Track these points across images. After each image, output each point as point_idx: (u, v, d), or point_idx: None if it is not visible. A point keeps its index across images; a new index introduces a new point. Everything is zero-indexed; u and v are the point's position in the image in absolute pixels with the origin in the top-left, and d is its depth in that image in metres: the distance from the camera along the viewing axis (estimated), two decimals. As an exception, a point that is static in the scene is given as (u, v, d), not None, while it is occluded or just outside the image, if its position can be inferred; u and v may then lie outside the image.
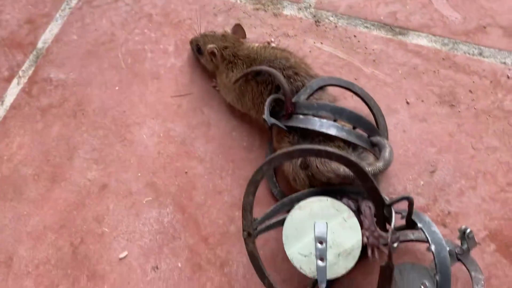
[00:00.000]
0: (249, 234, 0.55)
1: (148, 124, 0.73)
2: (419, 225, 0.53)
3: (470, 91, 0.69)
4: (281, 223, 0.55)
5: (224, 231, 0.65)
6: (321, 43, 0.76)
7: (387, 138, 0.65)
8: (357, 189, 0.57)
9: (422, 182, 0.64)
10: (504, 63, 0.71)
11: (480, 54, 0.72)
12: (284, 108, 0.61)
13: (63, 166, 0.72)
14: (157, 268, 0.64)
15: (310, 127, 0.59)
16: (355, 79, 0.72)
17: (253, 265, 0.55)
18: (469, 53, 0.72)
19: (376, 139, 0.60)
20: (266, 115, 0.60)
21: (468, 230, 0.54)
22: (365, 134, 0.61)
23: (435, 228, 0.52)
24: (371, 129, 0.61)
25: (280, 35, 0.77)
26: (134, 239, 0.66)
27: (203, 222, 0.66)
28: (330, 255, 0.52)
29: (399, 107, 0.69)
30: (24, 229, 0.68)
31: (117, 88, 0.76)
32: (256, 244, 0.55)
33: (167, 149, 0.71)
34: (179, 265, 0.63)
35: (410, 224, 0.55)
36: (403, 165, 0.66)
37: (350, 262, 0.53)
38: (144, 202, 0.68)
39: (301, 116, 0.60)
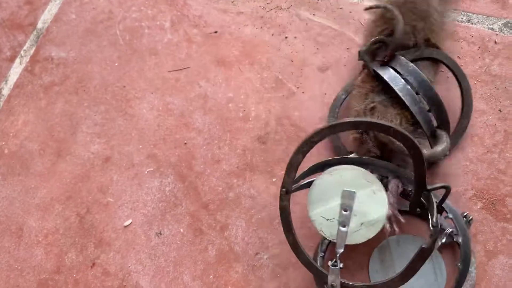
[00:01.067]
0: (288, 192, 0.54)
1: (147, 98, 0.75)
2: (449, 215, 0.58)
3: (458, 57, 0.71)
4: (309, 185, 0.56)
5: (223, 198, 0.68)
6: (314, 14, 0.77)
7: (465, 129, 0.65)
8: (389, 166, 0.59)
9: (412, 146, 0.67)
10: (492, 29, 0.72)
11: (469, 20, 0.73)
12: (383, 55, 0.60)
13: (67, 140, 0.74)
14: (160, 234, 0.67)
15: (391, 83, 0.58)
16: (347, 48, 0.74)
17: (282, 220, 0.55)
18: (457, 20, 0.73)
19: (441, 133, 0.59)
20: (363, 49, 0.60)
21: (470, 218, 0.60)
22: (434, 122, 0.60)
23: (463, 222, 0.58)
24: (443, 120, 0.60)
25: (274, 8, 0.79)
26: (138, 207, 0.69)
27: (203, 189, 0.69)
28: (353, 223, 0.54)
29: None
30: (33, 201, 0.71)
31: (116, 64, 0.79)
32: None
33: (166, 121, 0.73)
34: (181, 230, 0.67)
35: (439, 210, 0.58)
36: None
37: (371, 233, 0.54)
38: (146, 172, 0.71)
39: (391, 70, 0.60)
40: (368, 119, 0.54)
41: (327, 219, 0.55)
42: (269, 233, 0.65)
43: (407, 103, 0.58)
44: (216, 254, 0.65)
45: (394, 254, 0.61)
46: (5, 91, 0.79)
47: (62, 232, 0.69)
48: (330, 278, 0.54)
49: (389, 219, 0.56)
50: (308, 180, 0.58)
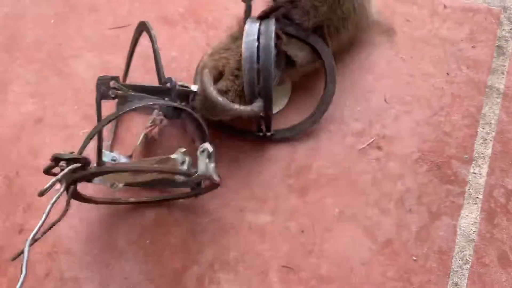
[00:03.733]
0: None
1: (85, 57, 0.71)
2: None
3: (408, 20, 0.70)
4: None
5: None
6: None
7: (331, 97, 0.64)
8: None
9: (359, 108, 0.65)
10: (442, -8, 0.71)
11: (419, -16, 0.72)
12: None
13: (-4, 100, 0.69)
14: (95, 197, 0.63)
15: (244, 33, 0.59)
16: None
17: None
18: (408, -17, 0.72)
19: (258, 100, 0.59)
20: None
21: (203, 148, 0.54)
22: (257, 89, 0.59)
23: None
24: (266, 92, 0.59)
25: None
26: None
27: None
28: None
29: (339, 36, 0.69)
30: (-44, 164, 0.66)
31: (52, 21, 0.73)
32: None
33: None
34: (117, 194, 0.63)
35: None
36: (340, 92, 0.66)
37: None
38: (81, 134, 0.66)
39: (256, 25, 0.60)
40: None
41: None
42: (210, 197, 0.62)
43: (243, 55, 0.58)
44: (154, 218, 0.62)
45: None
46: None
47: (-12, 197, 0.64)
48: None
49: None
50: None
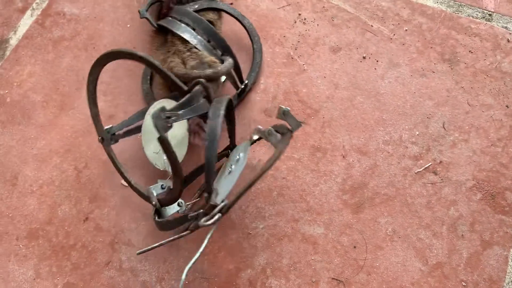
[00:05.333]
0: (103, 139, 0.62)
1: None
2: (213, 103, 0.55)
3: (471, 52, 0.71)
4: (139, 129, 0.62)
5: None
6: (331, -3, 0.78)
7: (257, 75, 0.72)
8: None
9: (417, 132, 0.67)
10: (506, 27, 0.73)
11: (483, 17, 0.74)
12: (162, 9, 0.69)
13: (71, 95, 0.74)
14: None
15: (171, 28, 0.65)
16: (363, 32, 0.74)
17: (114, 165, 0.63)
18: (472, 16, 0.74)
19: (226, 57, 0.65)
20: (142, 8, 0.68)
21: (284, 108, 0.55)
22: (218, 52, 0.66)
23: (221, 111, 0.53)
24: (225, 48, 0.67)
25: (291, -13, 0.79)
26: (138, 167, 0.68)
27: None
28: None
29: (401, 61, 0.72)
30: (31, 151, 0.70)
31: (128, 25, 0.78)
32: (112, 148, 0.63)
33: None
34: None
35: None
36: (400, 115, 0.68)
37: (183, 150, 0.60)
38: (149, 133, 0.70)
39: (170, 18, 0.67)
40: (128, 50, 0.55)
41: (157, 153, 0.61)
42: (267, 204, 0.65)
43: (187, 38, 0.64)
44: (212, 219, 0.64)
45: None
46: (13, 41, 0.78)
47: (58, 184, 0.68)
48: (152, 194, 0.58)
49: (193, 132, 0.63)
50: (135, 125, 0.64)
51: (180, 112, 0.53)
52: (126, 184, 0.66)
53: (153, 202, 0.57)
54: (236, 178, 0.56)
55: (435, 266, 0.60)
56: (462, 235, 0.61)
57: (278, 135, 0.56)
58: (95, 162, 0.69)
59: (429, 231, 0.62)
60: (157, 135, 0.49)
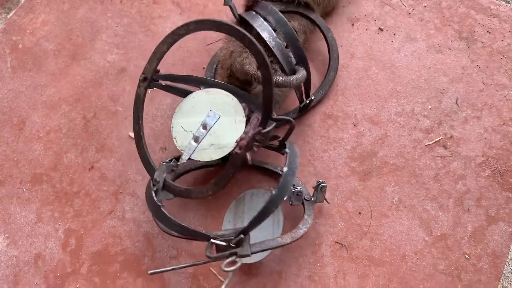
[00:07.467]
0: (145, 79, 0.56)
1: (173, 19, 0.74)
2: (287, 150, 0.54)
3: (488, 32, 0.71)
4: (183, 93, 0.59)
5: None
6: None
7: (325, 94, 0.68)
8: (256, 102, 0.59)
9: (430, 106, 0.67)
10: (525, 10, 0.73)
11: (504, -1, 0.74)
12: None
13: (84, 46, 0.73)
14: (165, 149, 0.66)
15: (250, 21, 0.60)
16: (382, 4, 0.74)
17: (134, 107, 0.57)
18: (493, -3, 0.74)
19: (299, 68, 0.61)
20: None
21: (323, 185, 0.57)
22: (293, 59, 0.61)
23: (297, 159, 0.53)
24: (300, 58, 0.62)
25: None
26: (146, 121, 0.68)
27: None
28: (205, 141, 0.55)
29: (418, 36, 0.71)
30: (40, 98, 0.70)
31: (146, -18, 0.78)
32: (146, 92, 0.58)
33: (188, 44, 0.72)
34: (187, 148, 0.65)
35: (281, 146, 0.58)
36: (414, 88, 0.68)
37: (217, 155, 0.55)
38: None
39: (253, 12, 0.62)
40: (228, 22, 0.51)
41: (185, 130, 0.56)
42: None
43: (264, 38, 0.59)
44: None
45: (246, 206, 0.61)
46: (29, -11, 0.78)
47: (65, 132, 0.68)
48: (156, 173, 0.55)
49: (243, 147, 0.54)
50: (181, 88, 0.60)
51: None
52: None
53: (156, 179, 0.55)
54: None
55: (439, 238, 0.60)
56: (468, 209, 0.61)
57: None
58: (104, 113, 0.68)
59: (436, 203, 0.61)
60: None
